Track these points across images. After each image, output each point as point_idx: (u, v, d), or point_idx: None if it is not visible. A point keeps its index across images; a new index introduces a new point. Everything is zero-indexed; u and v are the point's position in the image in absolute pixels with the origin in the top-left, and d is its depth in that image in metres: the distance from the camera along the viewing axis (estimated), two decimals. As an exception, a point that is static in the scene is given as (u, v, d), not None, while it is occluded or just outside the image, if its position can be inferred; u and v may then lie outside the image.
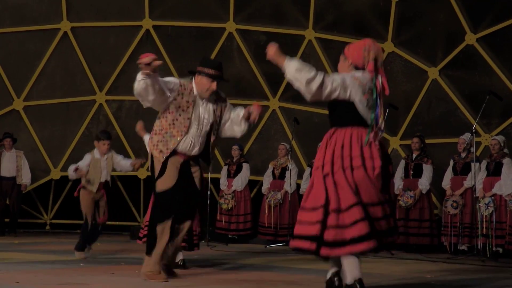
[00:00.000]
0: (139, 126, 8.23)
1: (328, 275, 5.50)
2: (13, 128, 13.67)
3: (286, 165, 12.25)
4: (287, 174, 12.12)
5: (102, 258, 8.55)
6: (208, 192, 11.75)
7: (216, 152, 13.46)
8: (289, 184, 12.10)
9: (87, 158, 8.59)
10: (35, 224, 14.65)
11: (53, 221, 14.67)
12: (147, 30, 13.92)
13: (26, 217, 14.37)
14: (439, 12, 12.37)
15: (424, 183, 11.03)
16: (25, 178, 13.19)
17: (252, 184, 13.16)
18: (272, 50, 5.30)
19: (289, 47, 13.27)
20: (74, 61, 14.06)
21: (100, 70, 14.10)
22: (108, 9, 13.92)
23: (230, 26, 13.61)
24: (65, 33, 13.89)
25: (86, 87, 14.10)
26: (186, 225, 6.45)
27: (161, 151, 6.34)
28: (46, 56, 13.93)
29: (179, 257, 7.32)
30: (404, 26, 12.69)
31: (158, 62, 5.95)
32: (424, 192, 11.04)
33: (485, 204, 10.31)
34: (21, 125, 14.07)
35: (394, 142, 12.58)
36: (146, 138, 7.92)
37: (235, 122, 6.65)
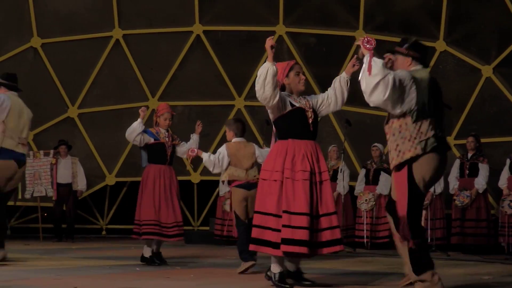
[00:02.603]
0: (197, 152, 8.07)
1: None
2: (68, 136, 13.88)
3: (338, 167, 12.19)
4: (340, 176, 12.05)
5: (157, 262, 8.59)
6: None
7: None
8: (342, 186, 12.03)
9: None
10: (91, 230, 14.85)
11: (109, 226, 14.85)
12: (198, 36, 14.00)
13: (82, 223, 14.58)
14: (492, 10, 12.19)
15: (480, 182, 10.87)
16: (80, 184, 13.36)
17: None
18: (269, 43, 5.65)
19: (339, 49, 13.23)
20: (126, 68, 14.21)
21: (152, 76, 14.22)
22: (158, 16, 14.04)
23: (280, 29, 13.61)
24: (117, 40, 14.05)
25: (138, 94, 14.24)
26: None
27: None
28: (99, 64, 14.11)
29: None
30: (455, 24, 12.53)
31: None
32: (480, 191, 10.88)
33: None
34: (76, 132, 14.27)
35: (448, 142, 12.42)
36: (205, 156, 7.83)
37: None
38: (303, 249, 5.70)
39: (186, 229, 13.79)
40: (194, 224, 14.55)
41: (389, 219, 5.41)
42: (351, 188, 12.32)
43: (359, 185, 12.15)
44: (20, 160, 7.87)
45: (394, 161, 5.27)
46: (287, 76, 6.12)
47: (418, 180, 5.16)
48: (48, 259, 8.67)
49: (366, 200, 11.91)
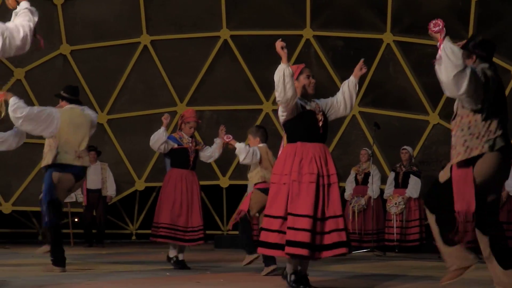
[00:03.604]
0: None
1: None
2: (98, 141, 13.96)
3: (369, 171, 12.14)
4: (370, 179, 12.01)
5: (178, 266, 8.61)
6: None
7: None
8: (372, 190, 11.99)
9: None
10: (121, 235, 14.93)
11: (139, 231, 14.92)
12: (225, 41, 14.04)
13: (112, 228, 14.66)
14: (521, 10, 12.09)
15: (509, 184, 10.76)
16: (110, 190, 13.44)
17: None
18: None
19: (367, 52, 13.18)
20: (154, 73, 14.27)
21: (180, 81, 14.27)
22: (185, 21, 14.09)
23: (307, 33, 13.60)
24: (145, 46, 14.13)
25: (166, 99, 14.30)
26: None
27: None
28: (127, 70, 14.19)
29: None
30: (484, 25, 12.43)
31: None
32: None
33: None
34: (105, 138, 14.36)
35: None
36: (240, 144, 8.02)
37: None
38: (304, 251, 5.74)
39: (216, 234, 13.82)
40: (223, 229, 14.58)
41: (430, 216, 5.35)
42: (382, 192, 12.27)
43: (389, 188, 12.09)
44: (78, 174, 7.84)
45: (460, 156, 5.21)
46: (297, 79, 6.13)
47: (478, 177, 5.14)
48: (79, 264, 8.73)
49: (395, 203, 11.85)
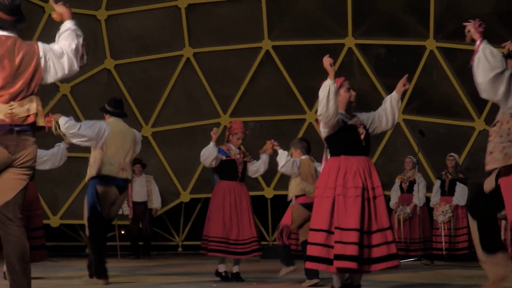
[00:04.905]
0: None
1: None
2: (143, 154, 14.05)
3: (414, 179, 12.03)
4: (415, 187, 11.90)
5: (230, 278, 8.60)
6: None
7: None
8: (418, 198, 11.87)
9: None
10: (167, 247, 15.00)
11: (185, 242, 14.97)
12: (267, 51, 14.06)
13: (159, 240, 14.74)
14: None
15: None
16: (155, 202, 13.52)
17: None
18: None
19: (410, 59, 13.09)
20: (197, 85, 14.34)
21: (223, 92, 14.32)
22: (227, 33, 14.15)
23: (349, 42, 13.55)
24: (188, 59, 14.21)
25: (210, 110, 14.35)
26: None
27: None
28: (171, 82, 14.28)
29: None
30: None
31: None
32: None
33: None
34: (150, 151, 14.45)
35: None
36: (283, 152, 8.00)
37: None
38: (352, 264, 5.72)
39: (262, 244, 13.80)
40: (269, 239, 14.56)
41: (472, 223, 5.28)
42: (428, 200, 12.14)
43: (435, 196, 11.97)
44: (121, 186, 7.88)
45: (498, 162, 5.13)
46: (337, 93, 6.09)
47: None
48: (126, 276, 8.79)
49: (443, 211, 11.72)
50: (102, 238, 7.93)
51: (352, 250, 5.71)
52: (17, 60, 4.66)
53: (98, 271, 7.64)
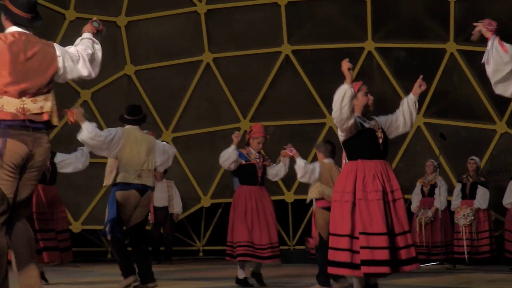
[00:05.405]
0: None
1: None
2: (163, 160, 14.10)
3: (435, 182, 11.98)
4: (437, 191, 11.84)
5: (254, 282, 8.62)
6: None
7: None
8: (439, 201, 11.81)
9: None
10: (189, 252, 15.02)
11: (206, 247, 14.99)
12: (287, 56, 14.06)
13: (180, 245, 14.76)
14: None
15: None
16: (176, 207, 13.57)
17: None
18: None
19: (430, 62, 13.04)
20: (217, 90, 14.37)
21: (243, 97, 14.34)
22: (246, 38, 14.17)
23: (369, 45, 13.52)
24: (208, 64, 14.25)
25: (230, 115, 14.37)
26: None
27: None
28: (191, 88, 14.32)
29: None
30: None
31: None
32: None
33: None
34: (170, 156, 14.47)
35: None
36: (300, 161, 7.90)
37: None
38: (384, 269, 5.72)
39: (282, 249, 13.78)
40: (289, 244, 14.54)
41: None
42: (449, 203, 12.08)
43: (456, 200, 11.90)
44: (141, 189, 7.67)
45: None
46: (355, 97, 6.06)
47: None
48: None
49: (464, 215, 11.65)
50: (122, 240, 7.81)
51: (383, 255, 5.69)
52: (31, 56, 4.75)
53: (126, 269, 7.51)
